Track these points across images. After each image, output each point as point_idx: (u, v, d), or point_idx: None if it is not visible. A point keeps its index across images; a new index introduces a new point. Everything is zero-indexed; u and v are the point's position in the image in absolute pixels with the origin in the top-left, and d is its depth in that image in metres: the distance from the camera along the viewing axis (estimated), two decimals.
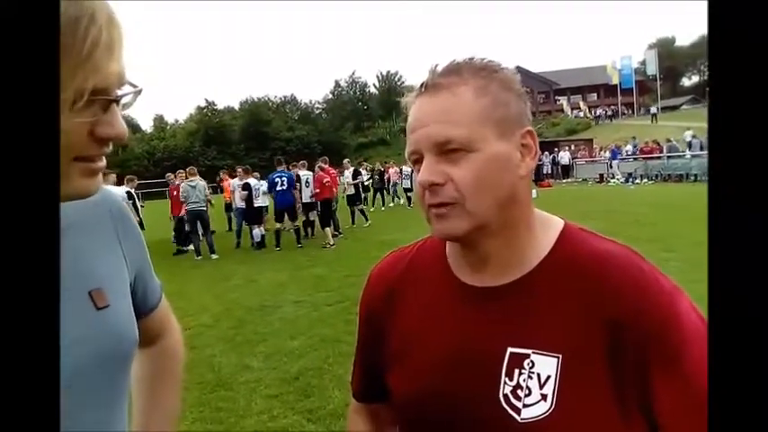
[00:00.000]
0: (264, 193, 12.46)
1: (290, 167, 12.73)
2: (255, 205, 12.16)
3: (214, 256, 11.13)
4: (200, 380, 4.42)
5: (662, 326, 0.69)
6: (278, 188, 11.36)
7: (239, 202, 12.39)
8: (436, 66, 0.79)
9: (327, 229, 11.61)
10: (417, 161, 0.78)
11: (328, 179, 12.29)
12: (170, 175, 13.72)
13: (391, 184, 21.37)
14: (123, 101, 0.66)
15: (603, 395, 0.70)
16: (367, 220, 14.76)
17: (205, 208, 11.32)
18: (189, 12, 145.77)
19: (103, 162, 0.67)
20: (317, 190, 11.86)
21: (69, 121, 0.59)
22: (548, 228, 0.82)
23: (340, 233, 12.54)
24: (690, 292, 0.74)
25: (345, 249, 10.84)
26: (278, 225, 11.64)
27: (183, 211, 11.60)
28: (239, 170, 13.02)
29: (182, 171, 12.64)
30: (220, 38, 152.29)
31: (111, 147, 0.66)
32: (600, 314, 0.72)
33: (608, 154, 27.41)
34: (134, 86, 0.66)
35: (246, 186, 12.16)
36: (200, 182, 11.47)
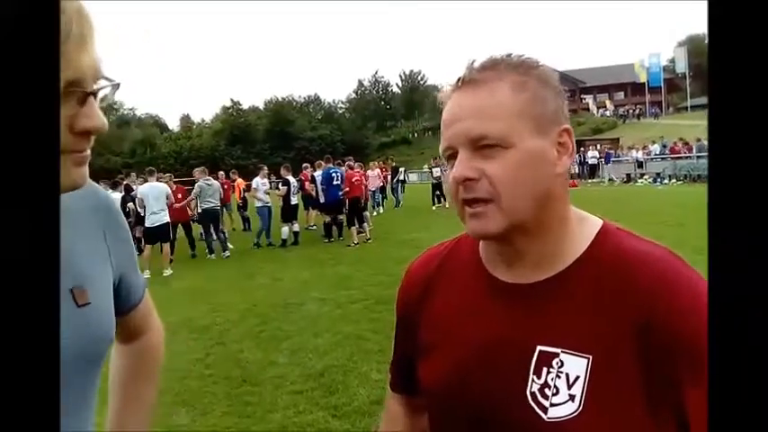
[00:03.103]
0: (295, 193, 12.65)
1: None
2: (292, 203, 12.39)
3: (226, 254, 11.33)
4: (228, 375, 4.53)
5: (697, 332, 0.66)
6: (334, 182, 11.91)
7: (260, 202, 12.37)
8: (473, 61, 0.78)
9: (353, 228, 11.66)
10: (452, 156, 0.77)
11: (358, 177, 12.41)
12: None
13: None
14: (101, 94, 0.66)
15: (634, 399, 0.69)
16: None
17: (220, 207, 11.56)
18: (215, 12, 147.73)
19: (89, 153, 0.66)
20: (347, 188, 11.99)
21: None
22: (585, 226, 0.81)
23: (363, 231, 12.58)
24: None
25: (368, 248, 10.87)
26: (327, 218, 12.32)
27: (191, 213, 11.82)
28: (263, 169, 13.04)
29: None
30: (245, 38, 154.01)
31: (92, 141, 0.66)
32: (633, 316, 0.70)
33: (634, 153, 26.90)
34: (110, 80, 0.66)
35: (286, 182, 12.39)
36: (215, 182, 11.77)
